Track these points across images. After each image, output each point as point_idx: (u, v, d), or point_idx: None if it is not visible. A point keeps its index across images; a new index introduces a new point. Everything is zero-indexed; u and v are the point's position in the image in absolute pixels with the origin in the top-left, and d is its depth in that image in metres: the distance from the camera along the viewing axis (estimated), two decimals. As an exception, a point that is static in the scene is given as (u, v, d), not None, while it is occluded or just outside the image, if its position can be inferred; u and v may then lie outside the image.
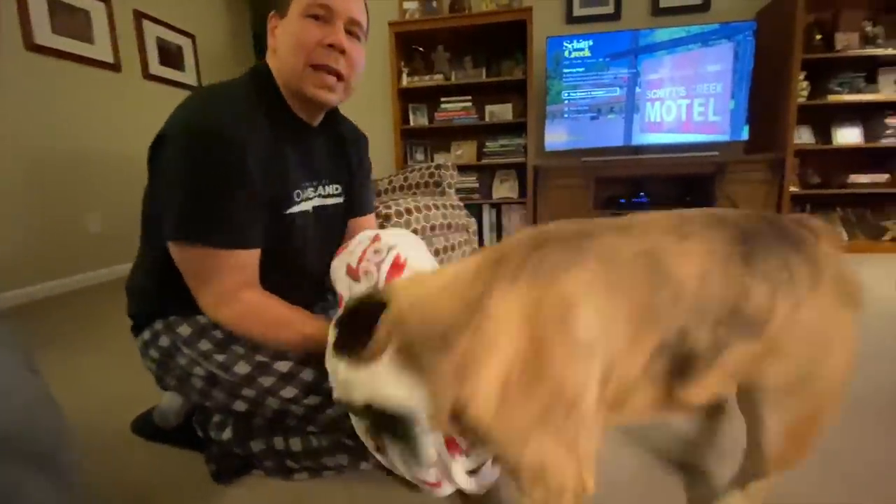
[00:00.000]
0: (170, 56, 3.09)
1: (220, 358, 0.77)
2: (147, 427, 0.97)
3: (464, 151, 3.31)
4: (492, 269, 0.49)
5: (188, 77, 3.24)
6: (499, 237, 3.29)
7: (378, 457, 0.58)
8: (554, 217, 2.95)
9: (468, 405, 0.46)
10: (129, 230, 2.60)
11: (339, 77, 0.78)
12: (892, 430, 0.89)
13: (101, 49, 2.59)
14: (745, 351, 0.53)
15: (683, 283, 0.49)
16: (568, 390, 0.46)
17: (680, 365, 0.51)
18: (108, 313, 1.96)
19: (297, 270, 0.86)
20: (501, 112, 3.19)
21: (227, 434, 0.84)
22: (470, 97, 3.16)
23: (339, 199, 0.94)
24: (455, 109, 3.18)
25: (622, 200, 3.03)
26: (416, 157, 3.37)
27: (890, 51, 2.65)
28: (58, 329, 1.79)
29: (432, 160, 3.32)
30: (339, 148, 0.93)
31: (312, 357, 0.77)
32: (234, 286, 0.73)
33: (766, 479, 0.63)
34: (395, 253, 0.66)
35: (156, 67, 2.97)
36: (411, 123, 3.29)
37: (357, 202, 1.00)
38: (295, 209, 0.81)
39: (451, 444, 0.58)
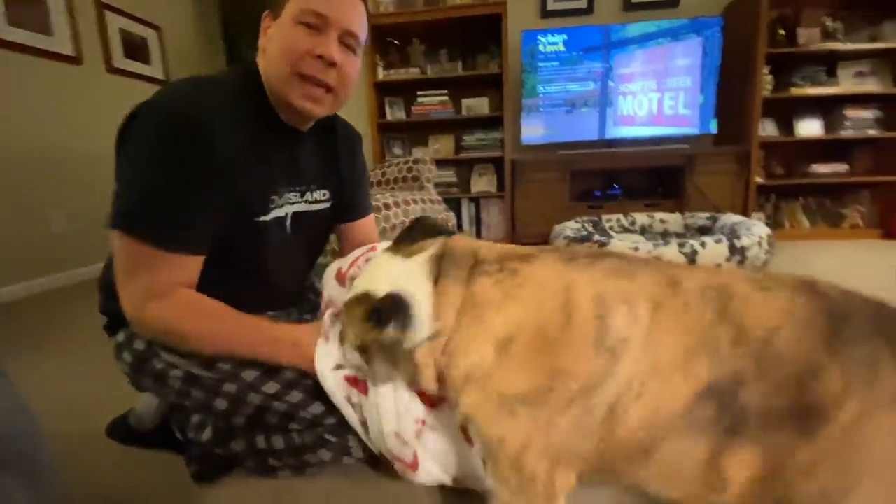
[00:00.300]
0: (135, 49, 2.97)
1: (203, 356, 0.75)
2: (123, 431, 0.95)
3: (441, 145, 3.31)
4: (553, 250, 0.53)
5: (155, 70, 3.13)
6: (478, 231, 3.32)
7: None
8: (532, 211, 3.01)
9: (459, 349, 0.50)
10: (96, 230, 2.51)
11: (328, 89, 0.75)
12: None
13: (60, 41, 2.47)
14: (790, 445, 0.43)
15: (750, 328, 0.44)
16: (575, 380, 0.45)
17: (730, 420, 0.43)
18: (76, 316, 1.90)
19: (266, 279, 0.84)
20: (478, 106, 3.20)
21: (206, 434, 0.83)
22: (446, 91, 3.16)
23: (326, 205, 0.91)
24: (432, 103, 3.17)
25: (597, 193, 3.09)
26: (394, 151, 3.35)
27: (848, 45, 2.78)
28: (23, 333, 1.72)
29: (410, 154, 3.31)
30: (329, 151, 0.90)
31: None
32: (168, 283, 0.68)
33: None
34: None
35: (120, 60, 2.86)
36: (388, 117, 3.27)
37: (352, 205, 0.98)
38: (268, 216, 0.78)
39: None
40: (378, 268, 0.60)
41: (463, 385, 0.51)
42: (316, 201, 0.89)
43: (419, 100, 3.18)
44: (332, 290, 0.81)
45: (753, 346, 0.43)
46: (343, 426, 0.78)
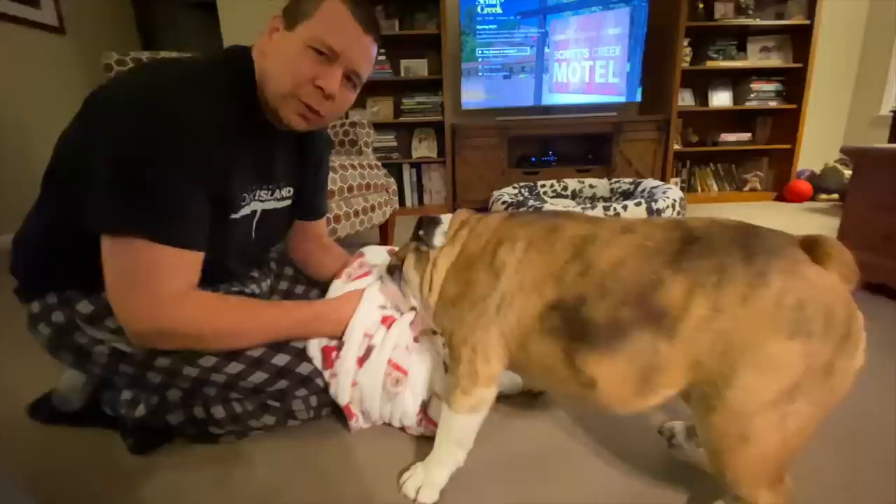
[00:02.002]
0: (15, -14, 2.55)
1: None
2: (47, 411, 0.91)
3: (380, 108, 3.23)
4: (514, 213, 0.75)
5: (45, 16, 2.72)
6: (420, 198, 3.33)
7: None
8: (473, 177, 3.07)
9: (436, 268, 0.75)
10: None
11: (318, 114, 0.76)
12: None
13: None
14: (652, 345, 0.54)
15: (596, 264, 0.59)
16: (476, 288, 0.67)
17: (576, 328, 0.58)
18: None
19: (221, 266, 0.82)
20: (417, 67, 3.13)
21: (140, 411, 0.81)
22: (383, 50, 3.05)
23: (289, 202, 0.93)
24: (369, 63, 3.05)
25: (533, 159, 3.19)
26: (330, 113, 3.22)
27: (758, 21, 3.01)
28: None
29: (346, 117, 3.20)
30: (300, 152, 0.92)
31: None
32: (182, 286, 0.66)
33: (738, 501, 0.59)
34: (367, 268, 0.97)
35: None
36: (353, 101, 3.10)
37: (311, 206, 1.01)
38: (238, 214, 0.77)
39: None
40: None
41: (440, 282, 0.74)
42: (283, 198, 0.90)
43: (355, 59, 3.04)
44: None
45: (595, 276, 0.58)
46: (287, 391, 0.81)
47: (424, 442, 0.83)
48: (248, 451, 0.83)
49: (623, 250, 0.58)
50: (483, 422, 0.71)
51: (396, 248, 1.02)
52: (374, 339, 0.84)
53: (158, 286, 0.64)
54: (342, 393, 0.82)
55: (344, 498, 0.72)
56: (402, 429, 0.86)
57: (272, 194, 0.86)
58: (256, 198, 0.82)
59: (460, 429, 0.70)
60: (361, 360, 0.83)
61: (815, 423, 0.53)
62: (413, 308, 0.86)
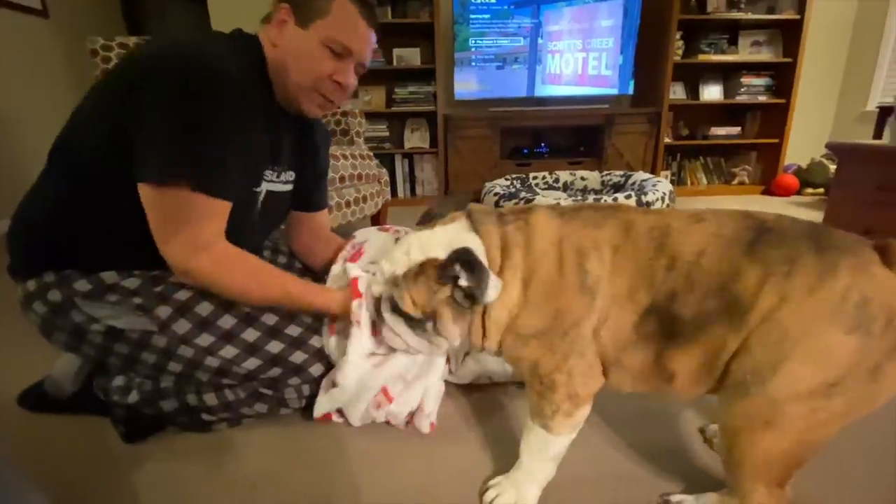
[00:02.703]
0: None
1: (137, 300, 0.75)
2: (39, 399, 0.91)
3: (372, 97, 3.20)
4: (538, 205, 0.67)
5: (27, -4, 2.64)
6: (412, 189, 3.32)
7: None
8: (465, 168, 3.07)
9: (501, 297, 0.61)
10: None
11: (332, 102, 0.85)
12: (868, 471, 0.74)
13: None
14: (724, 335, 0.54)
15: (680, 256, 0.56)
16: (569, 316, 0.60)
17: (668, 328, 0.56)
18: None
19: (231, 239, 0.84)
20: (409, 56, 3.10)
21: (133, 398, 0.82)
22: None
23: (291, 186, 0.96)
24: (361, 52, 3.02)
25: (525, 150, 3.20)
26: (322, 102, 3.18)
27: (749, 15, 3.03)
28: None
29: (338, 106, 3.17)
30: (302, 140, 0.96)
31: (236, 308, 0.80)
32: (211, 235, 0.71)
33: (741, 498, 0.59)
34: (359, 246, 0.94)
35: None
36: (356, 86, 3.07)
37: (311, 197, 1.04)
38: (259, 188, 0.83)
39: None
40: (419, 240, 0.66)
41: (504, 324, 0.63)
42: (287, 182, 0.93)
43: (347, 47, 3.01)
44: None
45: (682, 268, 0.55)
46: (279, 379, 0.82)
47: (416, 431, 0.84)
48: (239, 439, 0.84)
49: (701, 240, 0.56)
50: (484, 406, 0.71)
51: (389, 227, 1.02)
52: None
53: (193, 231, 0.70)
54: (321, 408, 0.82)
55: (334, 486, 0.74)
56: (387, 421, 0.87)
57: (278, 176, 0.89)
58: (265, 177, 0.85)
59: (560, 447, 0.66)
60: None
61: (841, 425, 0.52)
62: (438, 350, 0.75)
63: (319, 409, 0.82)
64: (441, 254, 0.62)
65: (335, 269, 0.94)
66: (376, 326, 0.77)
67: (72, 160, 0.73)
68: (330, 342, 0.83)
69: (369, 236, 1.00)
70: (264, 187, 0.86)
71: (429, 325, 0.65)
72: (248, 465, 0.79)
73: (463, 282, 0.60)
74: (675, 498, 0.67)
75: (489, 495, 0.69)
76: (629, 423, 0.86)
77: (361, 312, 0.79)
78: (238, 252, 0.75)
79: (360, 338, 0.78)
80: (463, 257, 0.59)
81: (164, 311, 0.76)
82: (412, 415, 0.84)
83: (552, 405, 0.62)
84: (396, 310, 0.67)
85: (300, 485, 0.74)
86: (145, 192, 0.68)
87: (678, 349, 0.56)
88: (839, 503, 0.69)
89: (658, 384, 0.61)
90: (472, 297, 0.60)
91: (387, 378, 0.81)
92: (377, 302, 0.72)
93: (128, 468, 0.78)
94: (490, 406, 0.93)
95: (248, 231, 0.87)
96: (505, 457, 0.76)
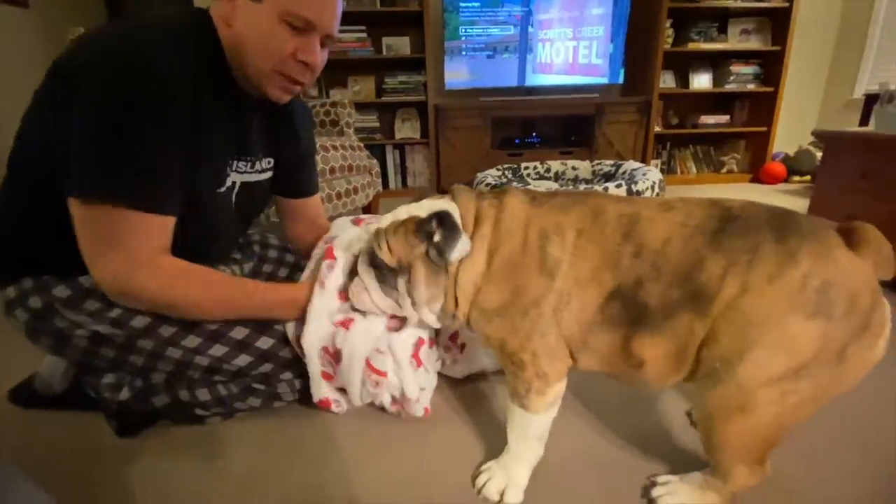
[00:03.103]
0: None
1: (112, 314, 0.73)
2: (30, 395, 0.90)
3: (362, 87, 3.17)
4: (514, 188, 0.68)
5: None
6: (404, 180, 3.30)
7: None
8: (456, 158, 3.06)
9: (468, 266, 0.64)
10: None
11: (299, 83, 0.77)
12: (860, 458, 0.75)
13: None
14: (690, 324, 0.55)
15: (647, 244, 0.56)
16: (528, 294, 0.61)
17: (634, 314, 0.57)
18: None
19: (202, 242, 0.82)
20: (399, 45, 3.07)
21: (124, 394, 0.81)
22: (364, 27, 2.97)
23: (269, 174, 0.91)
24: (349, 40, 2.98)
25: (517, 141, 3.19)
26: (310, 92, 3.14)
27: (739, 3, 3.03)
28: None
29: (328, 96, 3.13)
30: (277, 122, 0.90)
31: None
32: (151, 251, 0.67)
33: (724, 477, 0.62)
34: (330, 241, 0.85)
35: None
36: (326, 60, 3.02)
37: (297, 182, 0.98)
38: (223, 188, 0.78)
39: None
40: (408, 207, 0.69)
41: (471, 295, 0.66)
42: (262, 170, 0.89)
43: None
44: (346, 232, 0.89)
45: (648, 256, 0.56)
46: (271, 374, 0.82)
47: (410, 419, 0.85)
48: (233, 432, 0.85)
49: (668, 228, 0.57)
50: (475, 395, 0.72)
51: (364, 218, 0.96)
52: (337, 343, 0.77)
53: (127, 250, 0.65)
54: (316, 392, 0.82)
55: (327, 476, 0.75)
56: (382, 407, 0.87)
57: (252, 166, 0.86)
58: (236, 169, 0.82)
59: (540, 426, 0.68)
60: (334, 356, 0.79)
61: (815, 407, 0.54)
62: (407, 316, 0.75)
63: (316, 391, 0.82)
64: (424, 214, 0.66)
65: (306, 272, 0.87)
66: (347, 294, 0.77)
67: (24, 165, 0.70)
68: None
69: (340, 230, 0.93)
70: (237, 179, 0.82)
71: (401, 283, 0.67)
72: (242, 457, 0.79)
73: (437, 237, 0.63)
74: (661, 479, 0.69)
75: (481, 479, 0.70)
76: (616, 410, 0.88)
77: (329, 274, 0.78)
78: (186, 265, 0.71)
79: (322, 298, 0.77)
80: (440, 215, 0.62)
81: (140, 321, 0.74)
82: (404, 401, 0.84)
83: (524, 384, 0.65)
84: (373, 262, 0.69)
85: (294, 476, 0.75)
86: (73, 207, 0.63)
87: (646, 336, 0.57)
88: (821, 481, 0.71)
89: (627, 369, 0.62)
90: (441, 252, 0.62)
91: (363, 356, 0.77)
92: (356, 260, 0.73)
93: (121, 462, 0.78)
94: (479, 395, 0.94)
95: (223, 229, 0.85)
96: (495, 443, 0.78)
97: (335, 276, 0.79)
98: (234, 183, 0.82)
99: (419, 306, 0.68)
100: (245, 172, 0.84)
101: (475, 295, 0.65)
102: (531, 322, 0.61)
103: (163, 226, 0.68)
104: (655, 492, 0.67)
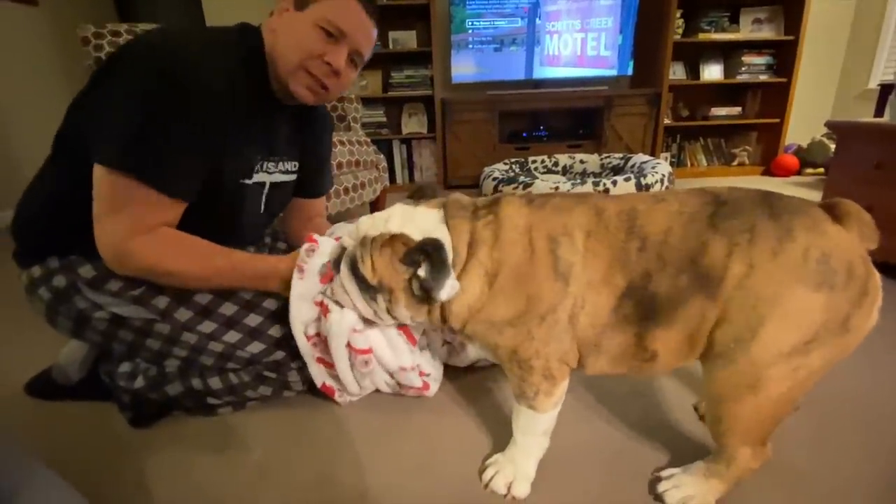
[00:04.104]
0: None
1: (135, 292, 0.76)
2: (46, 386, 0.92)
3: (368, 82, 3.16)
4: (508, 195, 0.67)
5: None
6: (411, 175, 3.31)
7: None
8: (464, 153, 3.05)
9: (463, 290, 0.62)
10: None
11: (325, 87, 0.81)
12: (865, 445, 0.75)
13: None
14: (701, 308, 0.55)
15: (649, 236, 0.57)
16: (543, 302, 0.60)
17: (646, 308, 0.57)
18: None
19: (232, 232, 0.87)
20: (405, 39, 3.06)
21: (139, 383, 0.83)
22: (371, 22, 2.97)
23: (293, 177, 0.96)
24: (356, 36, 2.97)
25: (524, 134, 3.17)
26: (318, 88, 3.15)
27: (750, -8, 2.97)
28: None
29: (333, 95, 3.13)
30: (301, 129, 0.95)
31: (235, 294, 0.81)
32: (154, 222, 0.71)
33: (727, 461, 0.62)
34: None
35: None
36: (354, 80, 3.01)
37: (314, 183, 1.04)
38: (251, 180, 0.83)
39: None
40: (404, 213, 0.67)
41: (465, 318, 0.65)
42: (288, 171, 0.93)
43: (342, 31, 2.96)
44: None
45: (653, 248, 0.57)
46: (283, 363, 0.83)
47: (418, 410, 0.86)
48: (244, 422, 0.86)
49: (666, 218, 0.57)
50: (479, 387, 0.72)
51: (341, 240, 0.77)
52: (321, 330, 0.78)
53: (132, 217, 0.69)
54: (315, 377, 0.84)
55: (338, 466, 0.76)
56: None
57: (277, 166, 0.90)
58: (265, 169, 0.86)
59: (547, 422, 0.68)
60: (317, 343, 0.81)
61: (819, 378, 0.55)
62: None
63: (316, 376, 0.83)
64: (416, 235, 0.62)
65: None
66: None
67: (67, 147, 0.74)
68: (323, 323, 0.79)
69: (339, 230, 0.94)
70: (266, 179, 0.87)
71: (380, 299, 0.66)
72: (255, 447, 0.80)
73: (422, 272, 0.60)
74: (665, 473, 0.69)
75: (488, 473, 0.71)
76: (622, 399, 0.88)
77: (308, 258, 0.77)
78: (182, 235, 0.75)
79: (302, 283, 0.77)
80: (430, 249, 0.59)
81: (162, 301, 0.77)
82: (400, 375, 0.84)
83: (532, 387, 0.65)
84: (354, 269, 0.67)
85: (305, 465, 0.76)
86: (97, 170, 0.68)
87: (659, 328, 0.58)
88: (825, 467, 0.71)
89: (638, 365, 0.62)
90: (427, 290, 0.60)
91: (343, 341, 0.76)
92: (341, 253, 0.71)
93: (136, 453, 0.80)
94: (483, 387, 0.95)
95: (247, 217, 0.88)
96: (501, 434, 0.78)
97: (316, 260, 0.78)
98: (264, 182, 0.87)
99: (398, 321, 0.68)
100: (273, 173, 0.89)
101: (477, 312, 0.63)
102: (548, 328, 0.60)
103: (170, 206, 0.72)
104: (661, 487, 0.67)
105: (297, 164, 0.96)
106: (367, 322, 0.77)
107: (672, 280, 0.56)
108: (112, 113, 0.67)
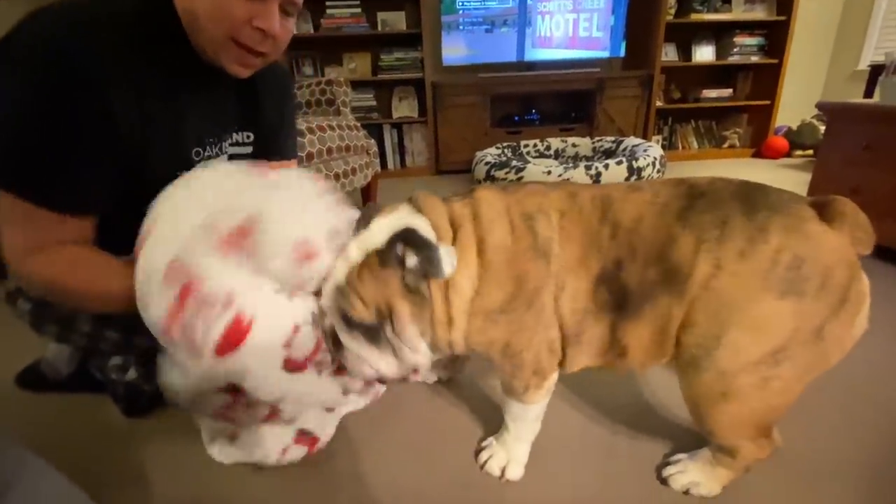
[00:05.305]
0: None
1: None
2: (36, 379, 0.91)
3: (357, 65, 3.10)
4: (479, 186, 0.63)
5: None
6: (402, 160, 3.27)
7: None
8: (455, 137, 3.02)
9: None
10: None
11: (261, 54, 0.69)
12: (850, 426, 0.77)
13: None
14: (668, 306, 0.54)
15: (621, 223, 0.56)
16: (530, 281, 0.57)
17: (618, 298, 0.56)
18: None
19: None
20: (395, 20, 2.99)
21: (131, 375, 0.83)
22: (358, 2, 2.89)
23: (250, 148, 0.86)
24: (343, 16, 2.90)
25: (516, 119, 3.14)
26: (304, 71, 3.08)
27: (743, -29, 2.94)
28: None
29: (322, 75, 3.07)
30: (251, 94, 0.82)
31: None
32: (46, 240, 0.62)
33: (732, 452, 0.61)
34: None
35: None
36: (294, 31, 2.95)
37: (276, 149, 0.91)
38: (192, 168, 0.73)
39: None
40: (357, 241, 0.58)
41: (467, 310, 0.59)
42: (239, 143, 0.84)
43: (328, 11, 2.89)
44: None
45: (624, 236, 0.55)
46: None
47: (411, 395, 0.86)
48: (240, 410, 0.86)
49: (638, 207, 0.56)
50: (468, 374, 0.73)
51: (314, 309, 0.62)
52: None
53: (30, 234, 0.61)
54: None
55: (334, 453, 0.76)
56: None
57: (232, 143, 0.82)
58: (221, 149, 0.78)
59: (538, 411, 0.69)
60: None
61: (801, 386, 0.53)
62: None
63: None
64: (379, 241, 0.56)
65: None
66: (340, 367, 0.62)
67: None
68: None
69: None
70: (223, 156, 0.79)
71: (387, 330, 0.57)
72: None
73: (411, 262, 0.53)
74: (672, 459, 0.70)
75: (483, 456, 0.72)
76: (613, 385, 0.89)
77: None
78: (87, 255, 0.64)
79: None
80: (403, 235, 0.54)
81: None
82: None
83: (522, 382, 0.64)
84: (350, 323, 0.57)
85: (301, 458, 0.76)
86: None
87: (629, 321, 0.57)
88: (821, 451, 0.73)
89: (612, 359, 0.62)
90: (426, 273, 0.54)
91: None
92: (332, 333, 0.59)
93: (131, 443, 0.80)
94: (475, 372, 0.95)
95: None
96: (494, 418, 0.78)
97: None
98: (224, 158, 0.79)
99: (414, 349, 0.59)
100: (226, 151, 0.81)
101: (475, 298, 0.58)
102: (535, 315, 0.58)
103: (72, 224, 0.63)
104: (667, 471, 0.68)
105: (250, 134, 0.85)
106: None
107: (641, 271, 0.54)
108: None
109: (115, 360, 0.84)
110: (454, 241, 0.58)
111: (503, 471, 0.70)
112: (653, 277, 0.54)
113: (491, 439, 0.74)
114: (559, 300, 0.58)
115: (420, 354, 0.60)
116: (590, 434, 0.78)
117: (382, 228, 0.57)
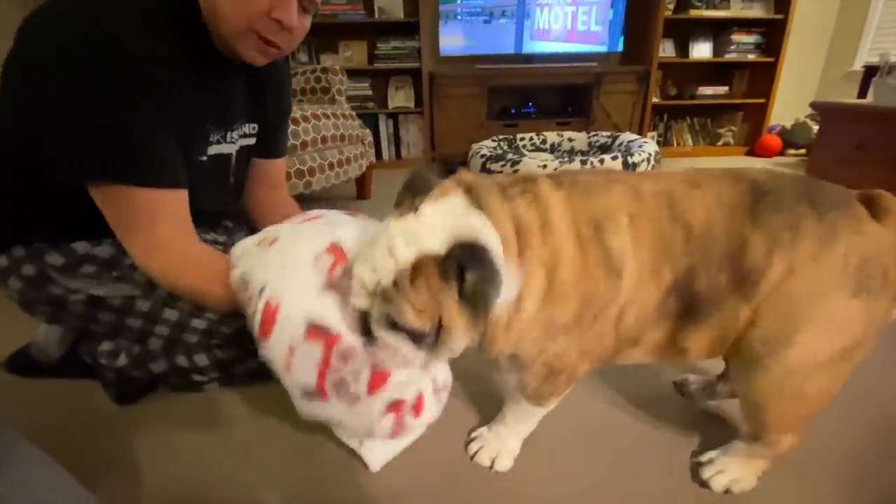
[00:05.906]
0: None
1: (115, 273, 0.74)
2: (26, 364, 0.90)
3: (353, 53, 3.06)
4: (526, 176, 0.56)
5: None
6: (397, 150, 3.25)
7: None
8: (451, 128, 3.00)
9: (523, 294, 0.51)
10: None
11: (278, 47, 0.72)
12: (842, 417, 0.77)
13: None
14: (736, 309, 0.52)
15: (693, 225, 0.52)
16: (598, 301, 0.53)
17: (686, 307, 0.53)
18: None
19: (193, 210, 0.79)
20: (392, 8, 2.96)
21: (121, 361, 0.82)
22: (355, -11, 2.85)
23: (253, 140, 0.89)
24: (339, 3, 2.86)
25: (513, 111, 3.13)
26: (299, 58, 3.04)
27: (742, -32, 2.93)
28: None
29: (318, 62, 3.03)
30: (258, 87, 0.86)
31: None
32: (168, 235, 0.67)
33: (769, 444, 0.62)
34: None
35: None
36: (308, 28, 2.89)
37: (272, 144, 0.95)
38: (206, 156, 0.76)
39: None
40: (404, 231, 0.49)
41: (524, 324, 0.53)
42: (246, 135, 0.87)
43: (325, -2, 2.85)
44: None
45: (698, 241, 0.52)
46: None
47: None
48: (230, 399, 0.86)
49: (706, 207, 0.52)
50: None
51: (313, 216, 0.70)
52: None
53: (146, 233, 0.66)
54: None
55: (324, 443, 0.76)
56: None
57: (241, 134, 0.84)
58: (228, 139, 0.80)
59: (545, 412, 0.68)
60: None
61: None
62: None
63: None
64: (437, 245, 0.47)
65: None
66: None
67: (7, 142, 0.67)
68: None
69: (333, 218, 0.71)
70: (229, 150, 0.81)
71: (432, 336, 0.51)
72: (242, 423, 0.80)
73: (471, 276, 0.46)
74: (705, 458, 0.69)
75: (473, 447, 0.72)
76: (602, 373, 0.90)
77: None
78: (199, 253, 0.70)
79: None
80: (471, 251, 0.45)
81: (143, 275, 0.74)
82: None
83: (551, 388, 0.62)
84: (395, 326, 0.51)
85: (290, 441, 0.76)
86: (92, 191, 0.64)
87: (693, 327, 0.55)
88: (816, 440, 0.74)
89: (667, 358, 0.61)
90: (484, 297, 0.47)
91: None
92: (362, 317, 0.55)
93: (120, 430, 0.79)
94: (468, 357, 0.96)
95: (220, 195, 0.84)
96: (485, 407, 0.79)
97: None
98: (230, 154, 0.81)
99: (455, 354, 0.55)
100: (236, 141, 0.82)
101: (535, 316, 0.53)
102: (598, 332, 0.55)
103: (175, 201, 0.68)
104: (706, 473, 0.66)
105: (255, 126, 0.89)
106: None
107: (714, 278, 0.52)
108: (65, 126, 0.59)
109: (105, 346, 0.83)
110: (520, 256, 0.50)
111: (493, 462, 0.70)
112: (724, 283, 0.52)
113: (482, 430, 0.74)
114: (625, 313, 0.55)
115: (457, 353, 0.55)
116: (577, 421, 0.79)
117: (437, 228, 0.48)
